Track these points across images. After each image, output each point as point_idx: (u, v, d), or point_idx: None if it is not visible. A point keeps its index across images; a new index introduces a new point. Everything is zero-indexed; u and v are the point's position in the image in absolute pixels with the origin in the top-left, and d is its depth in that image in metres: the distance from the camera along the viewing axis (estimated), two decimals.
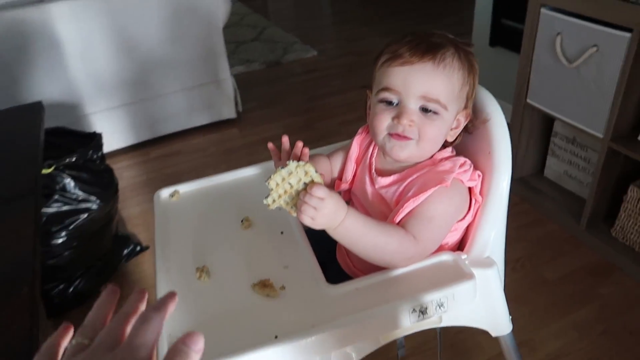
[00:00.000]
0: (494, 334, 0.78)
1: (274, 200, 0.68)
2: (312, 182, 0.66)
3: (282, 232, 0.80)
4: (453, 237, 0.78)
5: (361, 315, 0.63)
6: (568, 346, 1.34)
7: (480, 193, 0.76)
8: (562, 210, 1.74)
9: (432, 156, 0.79)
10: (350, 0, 4.48)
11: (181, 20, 2.22)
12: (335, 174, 0.90)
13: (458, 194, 0.74)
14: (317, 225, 0.66)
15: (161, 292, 0.71)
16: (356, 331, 0.63)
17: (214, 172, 2.28)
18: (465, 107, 0.77)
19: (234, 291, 0.70)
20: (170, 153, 2.38)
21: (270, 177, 0.66)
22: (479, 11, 2.32)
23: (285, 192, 0.67)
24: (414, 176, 0.77)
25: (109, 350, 0.38)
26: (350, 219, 0.67)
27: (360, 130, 0.89)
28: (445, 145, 0.79)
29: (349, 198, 0.89)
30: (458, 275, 0.67)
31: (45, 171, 1.40)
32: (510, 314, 0.76)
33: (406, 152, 0.76)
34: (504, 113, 0.79)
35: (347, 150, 0.90)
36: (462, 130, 0.79)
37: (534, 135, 1.83)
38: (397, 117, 0.74)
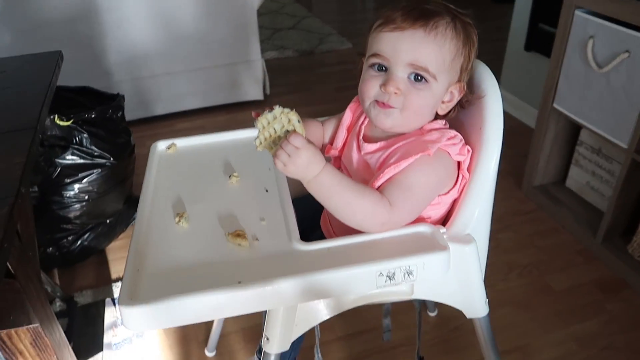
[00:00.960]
0: (468, 315, 0.76)
1: (260, 142, 0.69)
2: (294, 130, 0.66)
3: (267, 190, 0.80)
4: (436, 212, 0.76)
5: (327, 273, 0.62)
6: (566, 357, 1.30)
7: (468, 170, 0.74)
8: (579, 222, 1.68)
9: (421, 127, 0.77)
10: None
11: None
12: (327, 139, 0.90)
13: (442, 165, 0.72)
14: (288, 172, 0.66)
15: (139, 231, 0.72)
16: (320, 288, 0.62)
17: None
18: (459, 80, 0.75)
19: (208, 238, 0.70)
20: (194, 127, 2.42)
21: (257, 119, 0.68)
22: (517, 15, 2.26)
23: (270, 135, 0.68)
24: (399, 144, 0.75)
25: None
26: (325, 175, 0.66)
27: (355, 99, 0.89)
28: (437, 117, 0.77)
29: (339, 165, 0.88)
30: (432, 246, 0.65)
31: (63, 123, 1.44)
32: (488, 296, 0.74)
33: (389, 121, 0.74)
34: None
35: (340, 117, 0.89)
36: (456, 105, 0.77)
37: (558, 142, 1.77)
38: (384, 84, 0.72)
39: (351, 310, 0.73)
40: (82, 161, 1.49)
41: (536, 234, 1.71)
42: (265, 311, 0.75)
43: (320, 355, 0.90)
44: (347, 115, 0.88)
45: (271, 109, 0.68)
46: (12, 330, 0.80)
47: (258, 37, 2.40)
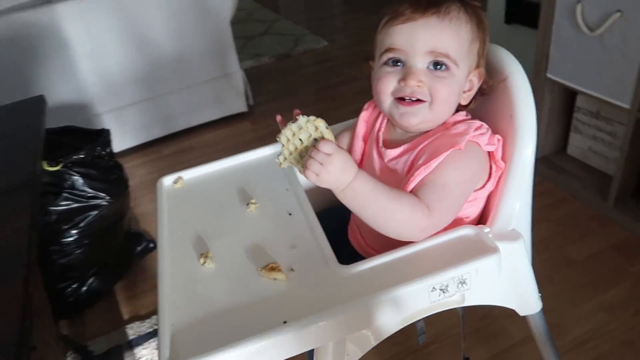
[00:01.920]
0: (521, 313, 0.72)
1: (285, 159, 0.65)
2: (322, 137, 0.62)
3: (290, 214, 0.75)
4: (474, 209, 0.72)
5: (376, 297, 0.58)
6: (598, 329, 1.27)
7: (502, 159, 0.70)
8: (587, 188, 1.66)
9: (445, 121, 0.73)
10: None
11: (188, 15, 2.18)
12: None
13: (474, 158, 0.68)
14: (321, 182, 0.62)
15: (164, 281, 0.67)
16: (371, 314, 0.58)
17: None
18: (477, 66, 0.71)
19: (240, 276, 0.66)
20: (182, 149, 2.35)
21: (281, 132, 0.64)
22: None
23: (296, 149, 0.64)
24: (425, 142, 0.71)
25: None
26: (359, 181, 0.62)
27: (365, 106, 0.84)
28: (458, 109, 0.74)
29: None
30: (481, 249, 0.61)
31: (52, 168, 1.38)
32: (539, 291, 0.70)
33: (418, 118, 0.70)
34: None
35: (353, 129, 0.84)
36: (476, 93, 0.73)
37: (555, 111, 1.75)
38: (404, 78, 0.68)
39: None
40: (77, 205, 1.43)
41: (546, 206, 1.69)
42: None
43: None
44: (361, 126, 0.83)
45: (294, 120, 0.63)
46: None
47: (234, 49, 2.34)
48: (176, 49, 2.23)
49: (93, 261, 1.54)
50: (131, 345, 1.44)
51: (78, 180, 1.43)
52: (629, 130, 1.43)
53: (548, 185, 1.77)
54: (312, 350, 0.63)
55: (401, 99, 0.70)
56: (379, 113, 0.81)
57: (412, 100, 0.69)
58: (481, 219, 0.75)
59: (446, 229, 0.72)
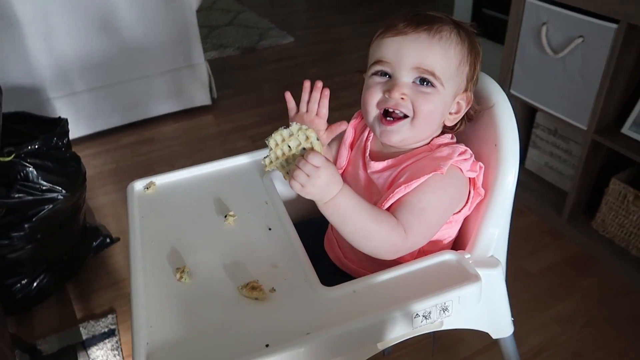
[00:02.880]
0: (494, 336, 0.75)
1: (271, 162, 0.64)
2: (312, 148, 0.62)
3: (269, 229, 0.74)
4: (450, 231, 0.74)
5: (360, 322, 0.58)
6: (551, 340, 1.33)
7: (484, 187, 0.71)
8: (542, 202, 1.73)
9: (429, 142, 0.74)
10: None
11: (152, 0, 2.10)
12: (330, 160, 0.86)
13: (454, 184, 0.69)
14: (306, 194, 0.62)
15: (138, 295, 0.64)
16: (354, 339, 0.58)
17: (188, 161, 2.17)
18: (466, 90, 0.72)
19: (218, 294, 0.64)
20: (141, 140, 2.28)
21: (271, 135, 0.63)
22: (460, 1, 2.28)
23: (283, 154, 0.63)
24: (409, 162, 0.72)
25: None
26: (342, 197, 0.63)
27: (355, 115, 0.85)
28: (444, 131, 0.75)
29: None
30: (463, 276, 0.62)
31: (4, 159, 1.30)
32: (512, 315, 0.73)
33: (399, 135, 0.71)
34: None
35: (341, 135, 0.85)
36: (464, 118, 0.74)
37: None
38: (389, 90, 0.69)
39: None
40: (30, 197, 1.35)
41: None
42: None
43: None
44: (349, 133, 0.84)
45: (287, 126, 0.63)
46: None
47: (200, 40, 2.28)
48: (138, 34, 2.15)
49: (45, 256, 1.46)
50: (85, 345, 1.38)
51: (32, 172, 1.35)
52: (584, 150, 1.50)
53: None
54: None
55: (385, 117, 0.71)
56: None
57: (393, 119, 0.70)
58: (457, 240, 0.76)
59: (424, 249, 0.73)
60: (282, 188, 0.85)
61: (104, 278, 1.59)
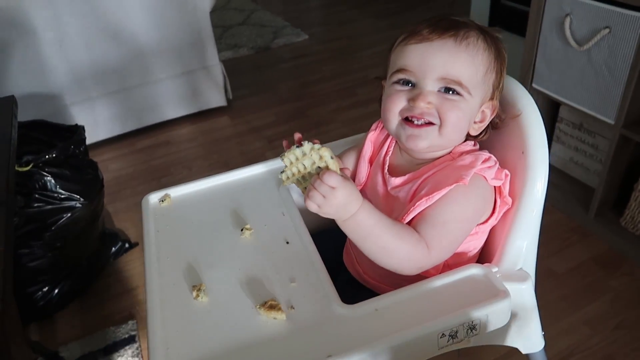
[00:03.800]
0: (524, 351, 0.71)
1: (287, 177, 0.63)
2: (327, 167, 0.60)
3: (287, 242, 0.72)
4: (476, 243, 0.71)
5: (382, 343, 0.55)
6: (580, 343, 1.29)
7: (510, 195, 0.68)
8: (568, 199, 1.68)
9: (451, 150, 0.71)
10: None
11: (166, 4, 2.09)
12: (348, 175, 0.83)
13: (479, 194, 0.66)
14: (323, 214, 0.60)
15: (154, 315, 0.62)
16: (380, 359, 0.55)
17: (204, 163, 2.16)
18: (492, 98, 0.69)
19: (236, 313, 0.62)
20: (157, 144, 2.28)
21: (284, 153, 0.62)
22: None
23: (299, 172, 0.62)
24: (430, 172, 0.69)
25: None
26: (362, 214, 0.60)
27: (373, 127, 0.81)
28: (466, 139, 0.71)
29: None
30: (491, 292, 0.59)
31: (22, 169, 1.30)
32: (543, 329, 0.69)
33: (426, 142, 0.67)
34: None
35: (359, 148, 0.81)
36: (488, 126, 0.71)
37: None
38: (413, 99, 0.66)
39: None
40: (49, 207, 1.36)
41: None
42: None
43: None
44: (367, 147, 0.80)
45: (299, 144, 0.61)
46: None
47: (214, 41, 2.27)
48: (153, 38, 2.14)
49: (65, 264, 1.47)
50: (106, 352, 1.39)
51: (50, 181, 1.35)
52: (612, 145, 1.45)
53: None
54: None
55: (409, 121, 0.68)
56: (387, 135, 0.78)
57: (420, 124, 0.67)
58: (483, 251, 0.73)
59: (449, 262, 0.70)
60: (299, 198, 0.83)
61: (123, 283, 1.59)
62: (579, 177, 1.73)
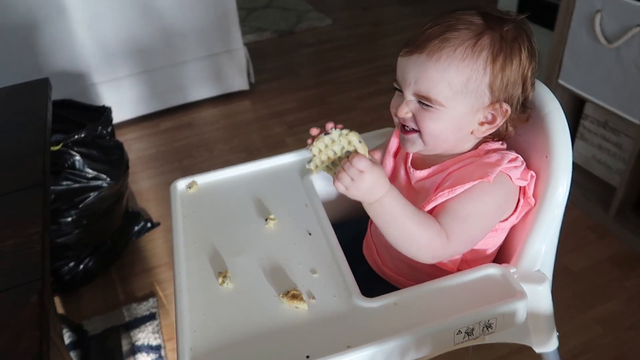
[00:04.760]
0: (537, 350, 0.73)
1: (316, 166, 0.65)
2: (356, 151, 0.62)
3: (310, 233, 0.74)
4: (495, 240, 0.72)
5: (401, 337, 0.57)
6: (592, 342, 1.30)
7: (534, 196, 0.69)
8: (588, 197, 1.67)
9: (477, 147, 0.72)
10: None
11: None
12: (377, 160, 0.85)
13: (502, 191, 0.67)
14: (351, 196, 0.63)
15: (182, 299, 0.65)
16: (394, 354, 0.57)
17: (226, 147, 2.18)
18: (497, 101, 0.68)
19: (259, 300, 0.65)
20: (180, 125, 2.31)
21: (312, 142, 0.64)
22: None
23: (329, 158, 0.64)
24: (455, 167, 0.71)
25: None
26: (388, 199, 0.63)
27: None
28: (493, 136, 0.72)
29: None
30: (508, 292, 0.61)
31: (53, 148, 1.34)
32: (557, 330, 0.71)
33: (415, 147, 0.72)
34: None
35: (386, 144, 0.83)
36: (507, 125, 0.71)
37: None
38: (398, 106, 0.70)
39: None
40: (77, 185, 1.40)
41: None
42: None
43: None
44: (393, 142, 0.82)
45: (327, 132, 0.64)
46: None
47: (239, 25, 2.28)
48: (179, 20, 2.16)
49: (90, 241, 1.52)
50: (127, 327, 1.44)
51: (79, 160, 1.40)
52: (637, 145, 1.43)
53: None
54: None
55: (403, 126, 0.72)
56: None
57: (409, 130, 0.71)
58: (501, 250, 0.74)
59: (467, 258, 0.72)
60: (322, 189, 0.85)
61: (145, 262, 1.64)
62: (601, 175, 1.72)
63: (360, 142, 0.63)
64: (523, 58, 0.68)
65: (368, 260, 0.83)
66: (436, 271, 0.71)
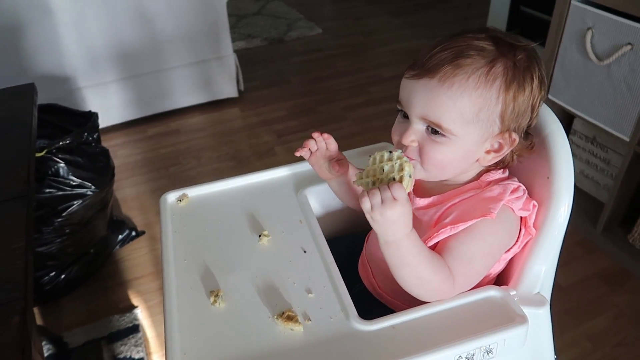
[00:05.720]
0: None
1: (361, 177, 0.64)
2: (400, 180, 0.60)
3: (304, 251, 0.72)
4: (496, 267, 0.71)
5: None
6: (581, 358, 1.30)
7: (535, 226, 0.68)
8: (576, 212, 1.66)
9: (478, 177, 0.70)
10: None
11: None
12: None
13: (505, 227, 0.66)
14: (370, 217, 0.59)
15: (172, 321, 0.63)
16: None
17: (214, 154, 2.15)
18: (506, 130, 0.66)
19: (252, 321, 0.63)
20: (167, 132, 2.28)
21: (374, 153, 0.64)
22: None
23: (374, 175, 0.62)
24: (456, 200, 0.69)
25: None
26: (407, 242, 0.60)
27: None
28: (496, 164, 0.71)
29: None
30: (508, 316, 0.60)
31: (37, 155, 1.30)
32: (556, 353, 0.70)
33: (415, 175, 0.67)
34: None
35: None
36: (513, 154, 0.69)
37: None
38: (402, 133, 0.67)
39: None
40: (60, 193, 1.36)
41: None
42: None
43: None
44: None
45: (393, 150, 0.63)
46: None
47: (229, 32, 2.26)
48: (168, 26, 2.14)
49: (73, 250, 1.48)
50: (109, 340, 1.40)
51: (63, 167, 1.36)
52: (625, 162, 1.44)
53: None
54: None
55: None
56: None
57: (411, 157, 0.68)
58: (501, 273, 0.73)
59: None
60: (317, 205, 0.83)
61: (128, 272, 1.60)
62: (589, 191, 1.73)
63: (410, 176, 0.61)
64: (534, 87, 0.66)
65: (363, 281, 0.81)
66: None
